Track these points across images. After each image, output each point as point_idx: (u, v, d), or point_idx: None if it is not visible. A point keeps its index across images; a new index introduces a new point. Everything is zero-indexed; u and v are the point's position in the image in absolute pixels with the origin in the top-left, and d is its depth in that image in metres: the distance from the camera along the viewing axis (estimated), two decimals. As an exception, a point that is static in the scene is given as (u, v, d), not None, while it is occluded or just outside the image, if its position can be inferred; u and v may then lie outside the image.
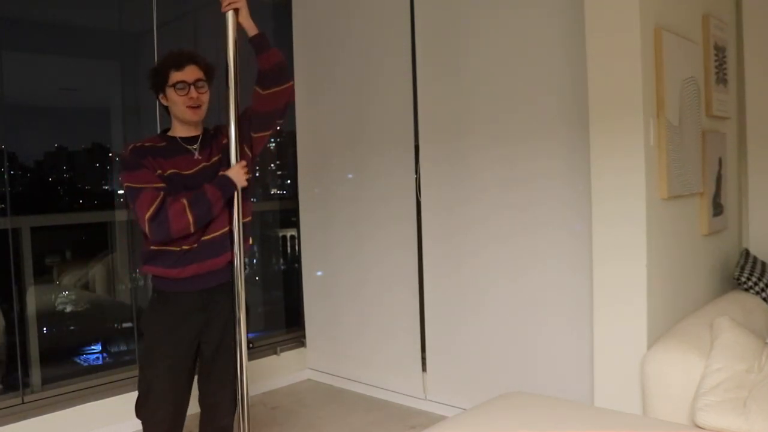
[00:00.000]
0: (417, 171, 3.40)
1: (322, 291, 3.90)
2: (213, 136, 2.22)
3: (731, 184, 3.23)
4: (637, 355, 2.38)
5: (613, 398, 2.44)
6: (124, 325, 3.80)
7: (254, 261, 4.33)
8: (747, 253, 3.11)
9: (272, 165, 4.49)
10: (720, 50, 3.04)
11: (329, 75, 3.83)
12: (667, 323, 2.49)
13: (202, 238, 2.08)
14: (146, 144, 2.10)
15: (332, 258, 3.81)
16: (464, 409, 2.48)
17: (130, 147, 2.07)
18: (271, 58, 2.07)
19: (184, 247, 2.07)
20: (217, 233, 2.09)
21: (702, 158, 2.83)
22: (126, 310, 3.81)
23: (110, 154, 3.92)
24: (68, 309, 3.82)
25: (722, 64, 3.06)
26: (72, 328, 3.90)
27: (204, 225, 2.06)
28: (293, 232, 4.26)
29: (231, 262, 2.13)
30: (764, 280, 2.91)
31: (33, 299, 3.26)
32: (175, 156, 2.09)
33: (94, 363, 3.73)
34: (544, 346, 2.93)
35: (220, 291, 2.17)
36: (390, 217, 3.55)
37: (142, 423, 2.16)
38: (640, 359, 2.35)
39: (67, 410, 3.02)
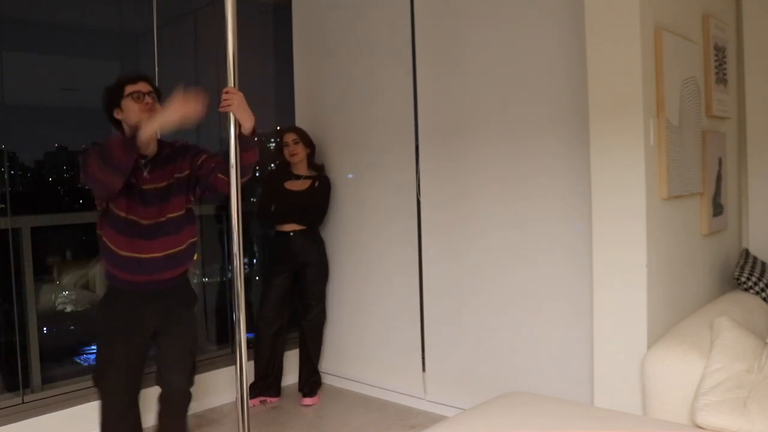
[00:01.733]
0: (417, 171, 3.40)
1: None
2: (169, 158, 2.39)
3: (731, 184, 3.23)
4: (637, 355, 2.38)
5: (613, 398, 2.44)
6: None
7: (254, 261, 4.33)
8: (747, 253, 3.11)
9: (272, 165, 4.50)
10: (720, 50, 3.03)
11: (329, 75, 3.83)
12: (667, 323, 2.49)
13: (140, 256, 2.32)
14: None
15: (332, 258, 3.81)
16: (464, 409, 2.48)
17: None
18: (247, 158, 2.28)
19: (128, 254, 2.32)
20: (152, 255, 2.32)
21: (702, 158, 2.83)
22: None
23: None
24: (68, 309, 3.82)
25: (722, 64, 3.06)
26: (72, 328, 3.90)
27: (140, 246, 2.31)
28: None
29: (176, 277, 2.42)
30: (764, 280, 2.91)
31: (33, 299, 3.25)
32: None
33: (94, 363, 3.72)
34: (544, 346, 2.93)
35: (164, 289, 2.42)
36: (390, 217, 3.55)
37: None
38: (640, 359, 2.35)
39: (67, 410, 3.02)
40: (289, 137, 3.61)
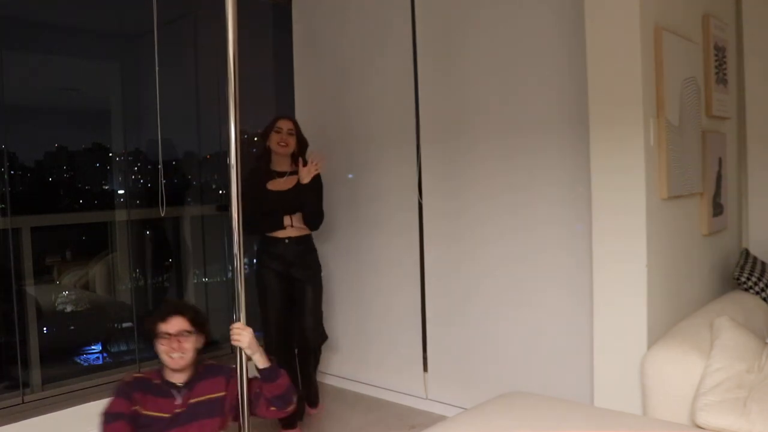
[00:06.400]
0: (418, 171, 3.40)
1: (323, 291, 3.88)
2: (203, 376, 2.22)
3: (731, 184, 3.23)
4: (637, 355, 2.38)
5: (613, 398, 2.44)
6: (124, 325, 3.81)
7: (254, 261, 4.33)
8: (747, 253, 3.11)
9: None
10: (720, 50, 3.03)
11: (329, 75, 3.82)
12: (667, 323, 2.49)
13: None
14: (145, 377, 2.21)
15: (332, 258, 3.81)
16: (464, 409, 2.48)
17: (132, 377, 2.20)
18: (279, 386, 2.22)
19: None
20: None
21: (702, 158, 2.83)
22: (126, 310, 3.81)
23: (110, 154, 3.93)
24: (68, 309, 3.83)
25: (722, 64, 3.06)
26: (72, 328, 3.90)
27: None
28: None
29: None
30: (764, 280, 2.91)
31: (33, 299, 3.26)
32: (158, 397, 2.16)
33: (94, 363, 3.73)
34: (544, 346, 2.93)
35: None
36: (391, 217, 3.55)
37: None
38: (640, 359, 2.35)
39: (67, 410, 3.02)
40: (285, 125, 3.15)
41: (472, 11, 3.10)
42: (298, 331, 3.23)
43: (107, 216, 3.82)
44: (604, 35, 2.45)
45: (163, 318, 2.18)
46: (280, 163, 3.18)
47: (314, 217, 3.22)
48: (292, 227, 3.15)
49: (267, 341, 3.26)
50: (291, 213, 3.14)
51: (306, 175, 3.08)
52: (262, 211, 3.10)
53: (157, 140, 3.37)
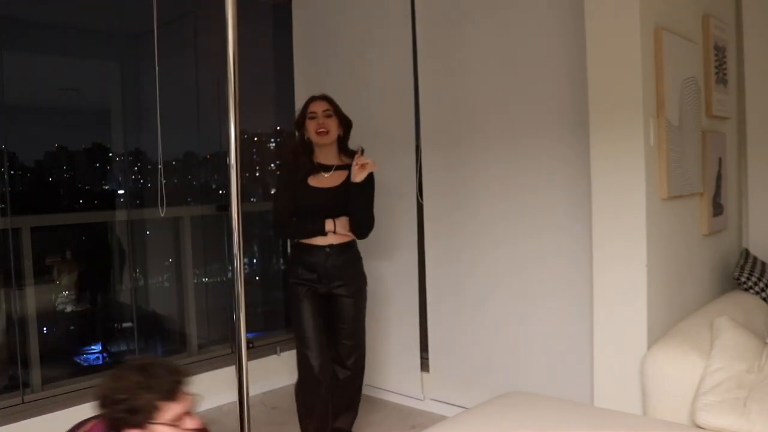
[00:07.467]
0: (418, 172, 3.40)
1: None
2: None
3: (731, 184, 3.23)
4: (637, 355, 2.38)
5: (613, 398, 2.44)
6: (124, 325, 3.81)
7: (254, 261, 4.33)
8: (747, 253, 3.11)
9: (272, 165, 4.50)
10: (720, 50, 3.03)
11: (329, 75, 3.82)
12: (667, 323, 2.49)
13: None
14: None
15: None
16: (464, 409, 2.48)
17: None
18: None
19: None
20: None
21: (702, 158, 2.83)
22: (126, 310, 3.81)
23: (110, 154, 3.93)
24: (68, 309, 3.82)
25: (722, 64, 3.06)
26: (72, 328, 3.90)
27: None
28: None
29: None
30: (764, 280, 2.91)
31: (33, 299, 3.25)
32: None
33: (94, 363, 3.72)
34: (544, 346, 2.93)
35: None
36: (391, 218, 3.54)
37: None
38: (640, 359, 2.35)
39: (67, 410, 3.02)
40: (319, 107, 2.63)
41: (471, 12, 3.10)
42: (333, 353, 2.83)
43: (107, 216, 3.82)
44: (604, 35, 2.45)
45: (170, 396, 1.53)
46: (325, 155, 2.69)
47: (364, 223, 2.71)
48: (335, 233, 2.66)
49: (302, 364, 2.76)
50: (335, 216, 2.64)
51: (359, 173, 2.56)
52: (299, 211, 2.65)
53: (157, 140, 3.37)
